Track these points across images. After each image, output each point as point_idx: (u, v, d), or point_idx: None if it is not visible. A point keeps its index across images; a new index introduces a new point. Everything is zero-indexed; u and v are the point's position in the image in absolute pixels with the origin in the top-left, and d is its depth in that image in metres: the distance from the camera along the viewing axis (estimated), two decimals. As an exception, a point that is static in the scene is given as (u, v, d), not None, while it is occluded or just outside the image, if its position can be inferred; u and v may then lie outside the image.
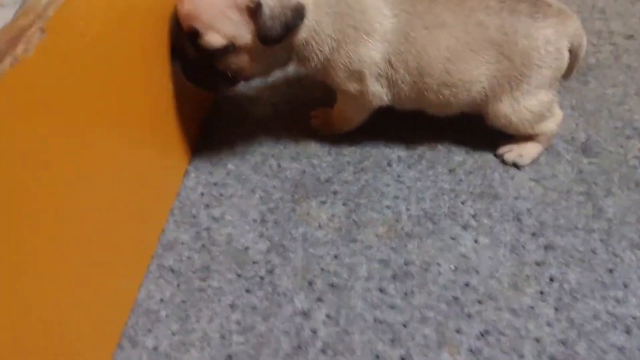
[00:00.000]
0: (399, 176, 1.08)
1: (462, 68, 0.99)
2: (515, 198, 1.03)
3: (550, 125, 1.07)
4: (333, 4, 0.94)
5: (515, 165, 1.09)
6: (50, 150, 0.65)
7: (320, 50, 0.95)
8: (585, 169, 1.08)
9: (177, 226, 1.01)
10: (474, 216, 1.01)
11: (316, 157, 1.12)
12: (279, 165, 1.10)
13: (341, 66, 0.97)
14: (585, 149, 1.11)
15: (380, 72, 0.99)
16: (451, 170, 1.08)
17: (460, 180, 1.07)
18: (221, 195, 1.06)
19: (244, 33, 0.90)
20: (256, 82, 1.28)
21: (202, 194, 1.06)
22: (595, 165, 1.08)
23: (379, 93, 1.02)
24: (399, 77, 1.00)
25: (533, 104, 1.02)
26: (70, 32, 0.66)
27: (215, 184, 1.08)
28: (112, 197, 0.82)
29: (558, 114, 1.08)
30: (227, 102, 1.23)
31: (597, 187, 1.05)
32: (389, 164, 1.10)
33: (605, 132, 1.14)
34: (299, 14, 0.89)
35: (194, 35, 0.89)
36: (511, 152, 1.09)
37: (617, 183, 1.05)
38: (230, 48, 0.91)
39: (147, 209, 0.96)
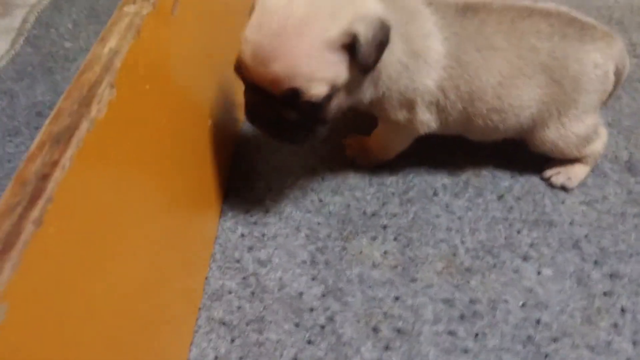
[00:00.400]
0: (447, 206, 1.03)
1: (513, 93, 0.95)
2: (571, 224, 1.00)
3: (597, 146, 1.04)
4: (401, 24, 0.88)
5: (564, 188, 1.05)
6: (116, 216, 0.58)
7: (389, 77, 0.90)
8: (634, 190, 1.05)
9: (221, 273, 0.94)
10: (532, 246, 0.97)
11: (358, 189, 1.06)
12: (320, 200, 1.05)
13: (397, 94, 0.92)
14: (631, 168, 1.09)
15: (432, 99, 0.94)
16: (500, 197, 1.04)
17: (511, 207, 1.03)
18: (264, 235, 0.99)
19: (342, 71, 0.82)
20: (282, 110, 1.21)
21: (243, 235, 1.00)
22: (643, 185, 1.06)
23: (427, 121, 0.97)
24: (449, 103, 0.95)
25: (580, 128, 0.99)
26: (135, 85, 0.59)
27: (255, 223, 1.01)
28: (150, 253, 0.75)
29: (604, 134, 1.05)
30: (254, 134, 1.17)
31: (650, 208, 1.02)
32: (435, 193, 1.05)
33: (647, 149, 1.12)
34: (386, 32, 0.82)
35: (294, 95, 0.80)
36: (559, 174, 1.06)
37: (670, 203, 1.03)
38: (332, 93, 0.83)
39: (186, 258, 0.89)
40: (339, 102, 0.87)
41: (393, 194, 1.05)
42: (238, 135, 1.16)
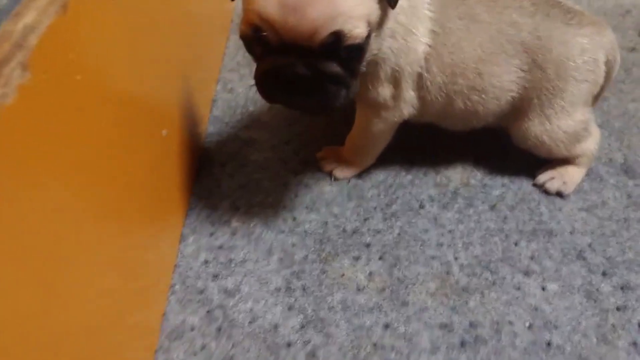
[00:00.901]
0: (436, 219, 0.93)
1: (494, 71, 0.87)
2: (572, 233, 0.91)
3: (589, 145, 0.96)
4: None
5: (560, 195, 0.96)
6: (38, 239, 0.45)
7: (390, 31, 0.80)
8: (634, 193, 0.97)
9: (182, 307, 0.80)
10: (532, 258, 0.87)
11: (336, 204, 0.95)
12: (294, 218, 0.93)
13: (387, 62, 0.82)
14: (628, 170, 1.01)
15: (418, 70, 0.86)
16: (492, 207, 0.95)
17: (506, 217, 0.93)
18: (230, 261, 0.87)
19: (374, 6, 0.72)
20: (246, 122, 1.10)
21: (206, 261, 0.86)
22: (643, 188, 0.98)
23: (410, 99, 0.88)
24: (431, 77, 0.87)
25: (568, 123, 0.90)
26: (61, 72, 0.47)
27: (220, 247, 0.89)
28: (92, 285, 0.61)
29: (596, 132, 0.97)
30: (219, 148, 1.05)
31: (654, 212, 0.94)
32: (422, 206, 0.95)
33: (641, 150, 1.05)
34: None
35: (336, 41, 0.68)
36: (553, 180, 0.97)
37: (674, 206, 0.95)
38: (370, 34, 0.72)
39: (139, 290, 0.75)
40: (371, 49, 0.76)
41: (375, 208, 0.94)
42: (201, 150, 1.04)
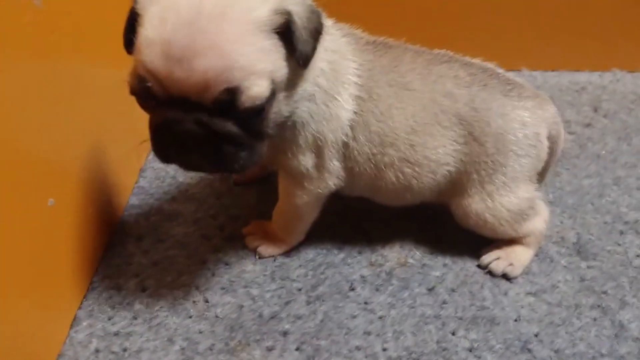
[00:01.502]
0: (366, 303, 0.83)
1: (428, 143, 0.81)
2: (516, 320, 0.81)
3: (537, 224, 0.88)
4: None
5: (506, 277, 0.87)
6: None
7: (305, 94, 0.72)
8: (587, 275, 0.88)
9: (56, 407, 0.68)
10: (471, 350, 0.76)
11: (256, 285, 0.85)
12: (206, 301, 0.82)
13: (306, 128, 0.75)
14: (581, 251, 0.93)
15: (342, 139, 0.79)
16: (430, 290, 0.85)
17: (444, 302, 0.83)
18: (125, 350, 0.75)
19: (280, 62, 0.64)
20: (173, 193, 1.02)
21: (97, 350, 0.75)
22: (597, 270, 0.89)
23: (335, 171, 0.81)
24: (358, 146, 0.79)
25: (511, 201, 0.83)
26: None
27: (116, 334, 0.78)
28: None
29: (544, 210, 0.90)
30: (138, 221, 0.96)
31: (608, 297, 0.85)
32: (352, 288, 0.85)
33: (595, 228, 0.97)
34: (319, 17, 0.67)
35: (231, 99, 0.61)
36: (498, 260, 0.88)
37: (630, 290, 0.86)
38: (274, 92, 0.64)
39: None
40: (278, 108, 0.68)
41: (300, 289, 0.85)
42: (116, 223, 0.95)
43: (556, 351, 0.76)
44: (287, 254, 0.90)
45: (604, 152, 1.17)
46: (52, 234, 0.74)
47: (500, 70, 0.86)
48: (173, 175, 1.07)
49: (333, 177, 0.82)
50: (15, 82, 0.65)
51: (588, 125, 1.25)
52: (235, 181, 1.05)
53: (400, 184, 0.83)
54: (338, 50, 0.76)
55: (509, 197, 0.83)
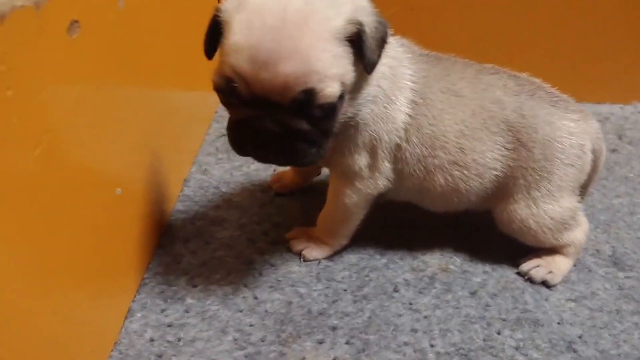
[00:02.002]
0: (411, 304, 0.85)
1: (477, 147, 0.85)
2: (559, 323, 0.82)
3: (577, 235, 0.90)
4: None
5: (545, 285, 0.89)
6: None
7: (368, 96, 0.78)
8: (625, 285, 0.90)
9: (115, 389, 0.70)
10: (518, 349, 0.77)
11: (302, 284, 0.87)
12: (255, 297, 0.85)
13: (366, 128, 0.80)
14: (617, 262, 0.95)
15: (395, 141, 0.83)
16: (473, 293, 0.87)
17: (487, 304, 0.85)
18: (179, 340, 0.77)
19: (349, 68, 0.70)
20: (217, 201, 1.06)
21: (152, 339, 0.77)
22: (635, 280, 0.91)
23: (385, 171, 0.85)
24: (410, 148, 0.83)
25: (555, 209, 0.86)
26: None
27: (170, 325, 0.80)
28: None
29: (585, 223, 0.92)
30: (184, 225, 0.99)
31: (648, 304, 0.86)
32: (396, 289, 0.87)
33: (630, 243, 0.99)
34: (385, 27, 0.73)
35: (307, 99, 0.67)
36: (538, 268, 0.90)
37: (669, 299, 0.87)
38: (343, 95, 0.71)
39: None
40: (344, 109, 0.74)
41: (345, 290, 0.87)
42: (164, 226, 0.98)
43: (601, 352, 0.77)
44: (330, 258, 0.93)
45: (631, 174, 1.20)
46: (116, 225, 0.77)
47: (547, 85, 0.91)
48: (216, 185, 1.10)
49: (383, 177, 0.85)
50: (95, 104, 0.71)
51: (614, 151, 1.29)
52: (276, 192, 1.08)
53: (449, 186, 0.86)
54: (396, 58, 0.82)
55: (552, 206, 0.86)
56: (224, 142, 1.24)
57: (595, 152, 0.91)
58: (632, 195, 1.12)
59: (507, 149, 0.85)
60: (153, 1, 0.92)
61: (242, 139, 0.72)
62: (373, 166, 0.83)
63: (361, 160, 0.82)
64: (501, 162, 0.85)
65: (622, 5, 1.37)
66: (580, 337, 0.80)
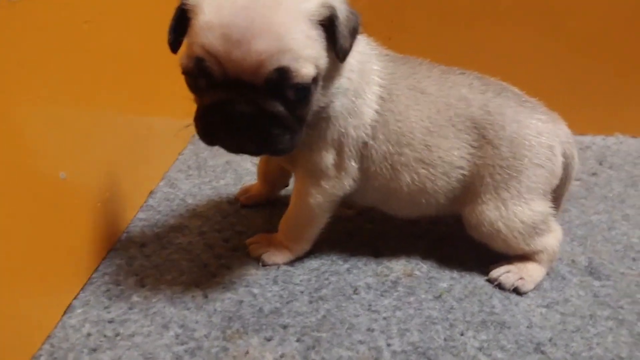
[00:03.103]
0: (370, 305, 0.80)
1: (443, 145, 0.82)
2: (528, 327, 0.77)
3: (550, 241, 0.86)
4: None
5: (516, 292, 0.84)
6: None
7: (340, 88, 0.77)
8: (601, 293, 0.85)
9: (39, 380, 0.64)
10: (481, 349, 0.72)
11: (257, 285, 0.83)
12: (205, 296, 0.80)
13: (335, 122, 0.78)
14: (593, 272, 0.90)
15: (362, 139, 0.81)
16: (437, 297, 0.82)
17: (452, 307, 0.80)
18: (117, 335, 0.72)
19: (322, 52, 0.69)
20: (180, 211, 1.03)
21: (89, 334, 0.72)
22: (610, 288, 0.86)
23: (352, 171, 0.82)
24: (376, 144, 0.81)
25: (525, 212, 0.83)
26: None
27: (111, 321, 0.75)
28: None
29: (558, 230, 0.88)
30: (143, 231, 0.96)
31: (624, 310, 0.81)
32: (356, 292, 0.82)
33: (606, 255, 0.95)
34: (357, 18, 0.72)
35: (281, 78, 0.65)
36: (509, 273, 0.85)
37: (647, 305, 0.82)
38: (317, 78, 0.69)
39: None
40: (317, 97, 0.72)
41: (302, 292, 0.82)
42: (122, 229, 0.95)
43: (572, 354, 0.72)
44: (291, 264, 0.89)
45: (611, 194, 1.17)
46: (55, 233, 0.74)
47: (516, 89, 0.90)
48: (182, 197, 1.08)
49: (349, 177, 0.83)
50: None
51: (594, 174, 1.26)
52: (242, 203, 1.06)
53: (416, 185, 0.83)
54: (365, 53, 0.81)
55: (522, 208, 0.83)
56: (196, 160, 1.23)
57: (566, 157, 0.89)
58: (611, 212, 1.09)
59: (473, 146, 0.83)
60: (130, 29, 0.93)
61: (213, 125, 0.68)
62: (339, 165, 0.81)
63: (328, 157, 0.80)
64: (467, 160, 0.83)
65: (605, 40, 1.39)
66: (550, 340, 0.74)
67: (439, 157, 0.82)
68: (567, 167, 0.90)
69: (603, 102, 1.46)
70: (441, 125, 0.83)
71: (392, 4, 1.37)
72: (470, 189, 0.84)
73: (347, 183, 0.83)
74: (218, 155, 1.23)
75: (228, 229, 0.98)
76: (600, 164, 1.32)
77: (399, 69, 0.85)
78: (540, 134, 0.84)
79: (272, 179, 1.03)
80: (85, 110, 0.81)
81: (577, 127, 1.48)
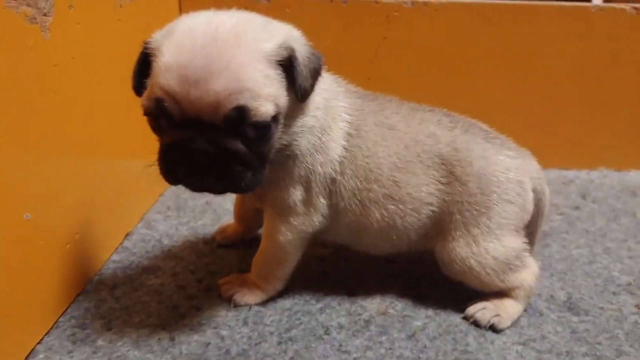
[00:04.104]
0: (340, 345, 0.78)
1: (411, 181, 0.82)
2: (503, 366, 0.75)
3: (526, 277, 0.85)
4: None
5: (493, 329, 0.82)
6: None
7: (304, 126, 0.77)
8: (579, 329, 0.83)
9: None
10: (452, 390, 0.69)
11: (226, 327, 0.81)
12: (172, 339, 0.78)
13: (302, 159, 0.78)
14: (572, 307, 0.88)
15: (330, 175, 0.81)
16: (410, 337, 0.80)
17: (425, 346, 0.78)
18: (78, 381, 0.70)
19: (282, 92, 0.70)
20: (155, 252, 1.02)
21: (49, 381, 0.70)
22: (589, 324, 0.84)
23: (321, 207, 0.82)
24: (344, 180, 0.81)
25: (497, 248, 0.82)
26: None
27: (72, 366, 0.73)
28: None
29: (533, 265, 0.87)
30: (115, 273, 0.95)
31: (602, 346, 0.79)
32: (327, 332, 0.81)
33: (586, 289, 0.93)
34: (318, 60, 0.74)
35: (240, 117, 0.66)
36: (485, 310, 0.84)
37: (625, 341, 0.80)
38: (277, 117, 0.70)
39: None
40: (279, 135, 0.73)
41: (272, 333, 0.80)
42: (94, 272, 0.94)
43: (546, 394, 0.69)
44: (263, 304, 0.87)
45: (593, 228, 1.16)
46: (20, 277, 0.74)
47: (484, 125, 0.90)
48: (158, 238, 1.07)
49: (318, 214, 0.82)
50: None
51: (576, 208, 1.26)
52: (219, 243, 1.05)
53: (385, 222, 0.83)
54: (331, 90, 0.82)
55: (494, 244, 0.82)
56: (176, 201, 1.23)
57: (536, 192, 0.88)
58: (592, 246, 1.08)
59: (441, 182, 0.83)
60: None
61: (175, 163, 0.68)
62: (308, 201, 0.81)
63: (296, 194, 0.80)
64: (436, 196, 0.83)
65: (589, 79, 1.41)
66: (524, 379, 0.72)
67: (407, 194, 0.82)
68: (538, 203, 0.89)
69: (587, 137, 1.47)
70: (409, 161, 0.83)
71: (371, 45, 1.39)
72: (441, 225, 0.84)
73: (316, 219, 0.83)
74: (199, 196, 1.23)
75: (202, 270, 0.97)
76: (584, 197, 1.32)
77: (366, 105, 0.85)
78: (509, 169, 0.84)
79: (248, 218, 1.02)
80: (53, 153, 0.81)
81: (562, 162, 1.50)
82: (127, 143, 1.09)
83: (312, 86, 0.72)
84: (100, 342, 0.77)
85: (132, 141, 1.11)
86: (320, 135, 0.80)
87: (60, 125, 0.82)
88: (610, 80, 1.41)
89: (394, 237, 0.85)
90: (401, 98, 1.41)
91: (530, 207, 0.87)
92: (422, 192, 0.82)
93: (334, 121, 0.81)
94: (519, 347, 0.78)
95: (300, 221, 0.82)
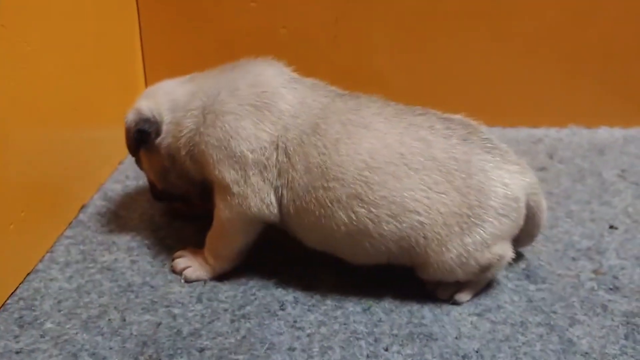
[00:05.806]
0: (295, 322, 0.77)
1: (390, 184, 0.76)
2: (457, 338, 0.75)
3: (497, 271, 0.83)
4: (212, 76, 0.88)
5: (454, 303, 0.81)
6: None
7: (182, 131, 0.85)
8: (535, 297, 0.83)
9: None
10: (404, 365, 0.69)
11: (179, 304, 0.80)
12: (124, 319, 0.77)
13: (215, 142, 0.80)
14: (530, 275, 0.88)
15: (267, 161, 0.79)
16: (366, 310, 0.79)
17: (380, 320, 0.77)
18: (23, 367, 0.69)
19: None
20: (111, 226, 0.99)
21: (-7, 368, 0.68)
22: (546, 292, 0.84)
23: (260, 193, 0.79)
24: (296, 175, 0.78)
25: (484, 256, 0.78)
26: None
27: (19, 351, 0.71)
28: None
29: (506, 258, 0.82)
30: (68, 250, 0.92)
31: (557, 315, 0.79)
32: (282, 307, 0.80)
33: (546, 255, 0.93)
34: (150, 126, 0.88)
35: None
36: (446, 288, 0.82)
37: (580, 309, 0.80)
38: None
39: None
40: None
41: (226, 310, 0.79)
42: (46, 249, 0.91)
43: (497, 366, 0.70)
44: (219, 278, 0.86)
45: (557, 190, 1.15)
46: None
47: (484, 129, 0.84)
48: (115, 210, 1.04)
49: (257, 198, 0.79)
50: None
51: (543, 169, 1.25)
52: (174, 214, 1.02)
53: (354, 226, 0.77)
54: (267, 88, 0.83)
55: (484, 254, 0.78)
56: (134, 169, 1.19)
57: (532, 206, 0.84)
58: (555, 209, 1.07)
59: (433, 190, 0.77)
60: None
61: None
62: (244, 182, 0.79)
63: (233, 175, 0.80)
64: (426, 205, 0.76)
65: (560, 33, 1.37)
66: (476, 352, 0.72)
67: (383, 197, 0.76)
68: (534, 217, 0.85)
69: (556, 94, 1.44)
70: (388, 161, 0.77)
71: (337, 3, 1.34)
72: (428, 239, 0.77)
73: (258, 203, 0.80)
74: (158, 164, 1.19)
75: (158, 244, 0.95)
76: (551, 157, 1.31)
77: (333, 104, 0.82)
78: (507, 185, 0.79)
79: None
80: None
81: (532, 119, 1.48)
82: (83, 110, 1.04)
83: (132, 146, 0.92)
84: (48, 325, 0.76)
85: (88, 108, 1.06)
86: (237, 120, 0.81)
87: (4, 92, 0.78)
88: (581, 36, 1.38)
89: (367, 245, 0.79)
90: (369, 60, 1.40)
91: (522, 222, 0.83)
92: (405, 197, 0.76)
93: (259, 111, 0.81)
94: (474, 318, 0.78)
95: (236, 201, 0.80)
